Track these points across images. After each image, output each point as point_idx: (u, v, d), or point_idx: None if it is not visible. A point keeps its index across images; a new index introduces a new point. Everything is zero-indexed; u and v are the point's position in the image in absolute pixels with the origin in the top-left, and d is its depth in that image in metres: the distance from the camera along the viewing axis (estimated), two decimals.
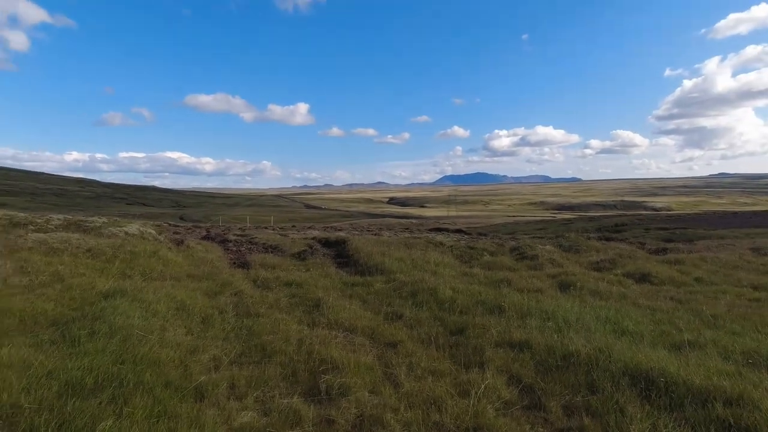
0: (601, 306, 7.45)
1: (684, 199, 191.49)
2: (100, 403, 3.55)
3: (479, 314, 6.76)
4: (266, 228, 24.12)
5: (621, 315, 6.76)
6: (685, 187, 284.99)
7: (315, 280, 9.23)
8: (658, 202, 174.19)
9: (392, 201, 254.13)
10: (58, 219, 12.99)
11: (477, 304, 7.25)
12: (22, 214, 13.32)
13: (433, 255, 12.63)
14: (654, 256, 15.09)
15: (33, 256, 8.38)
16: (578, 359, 4.80)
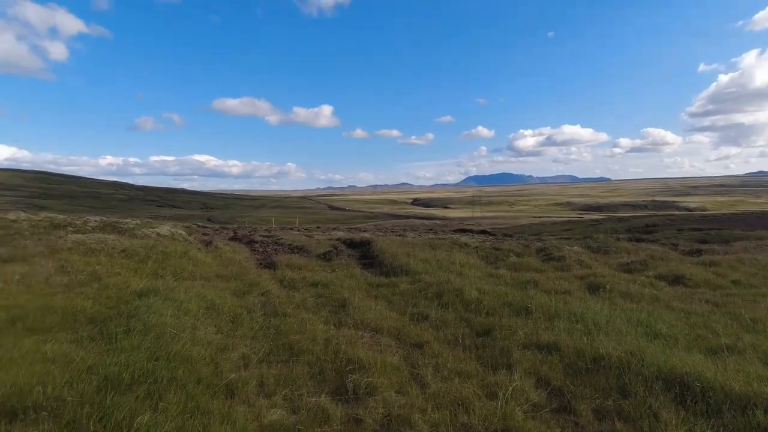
0: (633, 308, 7.26)
1: (719, 198, 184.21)
2: (137, 397, 3.68)
3: (506, 316, 6.69)
4: (291, 229, 24.45)
5: (654, 318, 6.58)
6: (720, 186, 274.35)
7: (340, 280, 9.30)
8: (692, 201, 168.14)
9: (416, 202, 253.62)
10: (95, 221, 13.51)
11: (503, 305, 7.18)
12: (62, 216, 13.91)
13: (458, 256, 12.56)
14: (688, 257, 14.59)
15: (72, 256, 8.74)
16: (609, 362, 4.70)
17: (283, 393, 4.19)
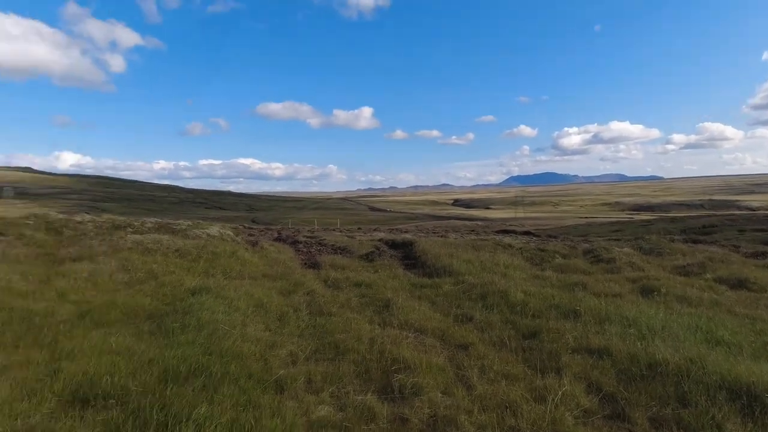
0: (691, 313, 6.88)
1: None
2: (194, 390, 3.88)
3: (553, 318, 6.52)
4: (333, 230, 24.84)
5: (714, 324, 6.21)
6: None
7: (383, 281, 9.36)
8: (755, 200, 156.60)
9: (457, 203, 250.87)
10: (151, 222, 14.30)
11: (550, 307, 7.00)
12: (122, 218, 14.83)
13: (501, 257, 12.33)
14: (751, 260, 13.62)
15: (132, 255, 9.30)
16: (666, 369, 4.49)
17: (330, 390, 4.28)
